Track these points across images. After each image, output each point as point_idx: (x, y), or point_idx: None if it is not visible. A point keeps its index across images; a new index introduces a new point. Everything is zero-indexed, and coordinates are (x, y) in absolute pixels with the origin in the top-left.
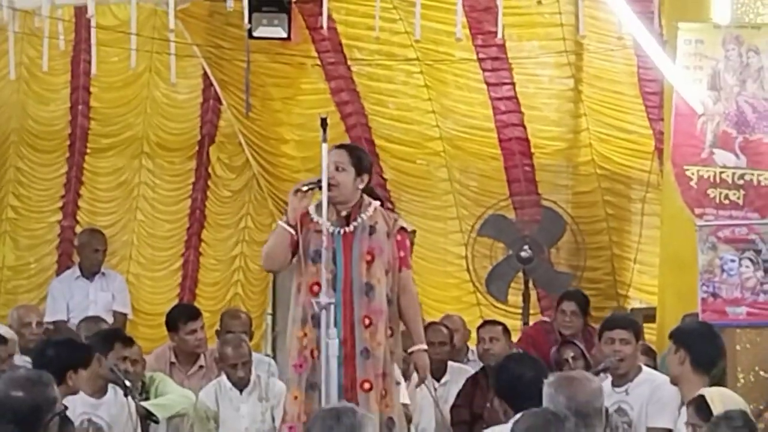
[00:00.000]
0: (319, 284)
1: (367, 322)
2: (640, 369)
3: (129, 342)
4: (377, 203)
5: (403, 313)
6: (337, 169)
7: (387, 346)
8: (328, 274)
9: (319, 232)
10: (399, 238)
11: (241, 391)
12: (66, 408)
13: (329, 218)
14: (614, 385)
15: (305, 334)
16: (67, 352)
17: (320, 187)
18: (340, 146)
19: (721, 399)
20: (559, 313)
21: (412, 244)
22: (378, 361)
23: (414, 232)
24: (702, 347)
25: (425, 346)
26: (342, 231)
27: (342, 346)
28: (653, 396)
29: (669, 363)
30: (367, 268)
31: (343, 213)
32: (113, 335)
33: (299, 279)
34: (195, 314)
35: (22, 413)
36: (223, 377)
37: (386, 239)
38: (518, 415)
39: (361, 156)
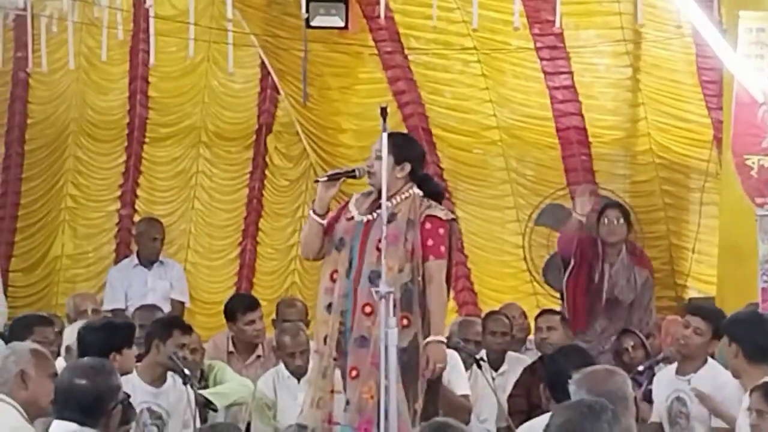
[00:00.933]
0: (336, 271)
1: (368, 310)
2: (705, 360)
3: (188, 330)
4: (416, 192)
5: (428, 303)
6: (377, 157)
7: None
8: (349, 263)
9: (349, 220)
10: (428, 226)
11: (298, 379)
12: (129, 396)
13: (360, 207)
14: (678, 372)
15: (324, 321)
16: (105, 335)
17: (350, 176)
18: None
19: None
20: (601, 223)
21: (447, 232)
22: (378, 350)
23: (454, 220)
24: (752, 338)
25: (441, 338)
26: (366, 219)
27: (350, 333)
28: (717, 394)
29: (725, 356)
30: (378, 255)
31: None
32: (172, 323)
33: (324, 267)
34: (254, 304)
35: (86, 401)
36: (281, 366)
37: (406, 227)
38: (556, 408)
39: (401, 144)
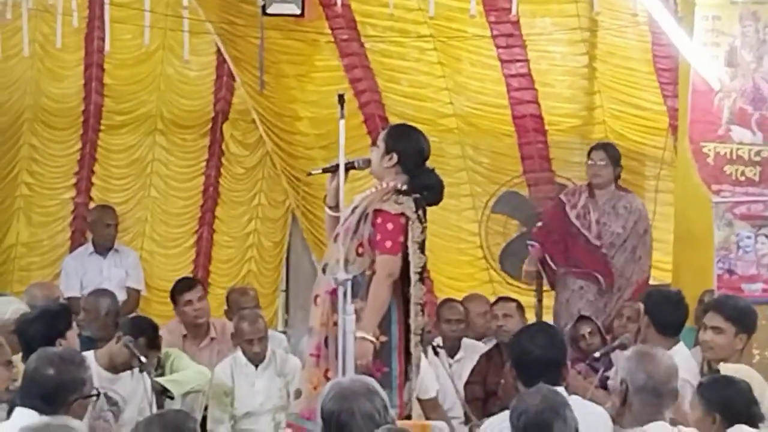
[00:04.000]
0: (338, 261)
1: (317, 301)
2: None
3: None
4: (392, 185)
5: None
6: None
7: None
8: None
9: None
10: (379, 220)
11: (256, 366)
12: (98, 394)
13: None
14: None
15: None
16: (46, 324)
17: (349, 168)
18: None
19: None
20: (588, 164)
21: (401, 226)
22: (319, 342)
23: (404, 214)
24: (755, 330)
25: (365, 335)
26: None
27: None
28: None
29: (723, 342)
30: (332, 248)
31: None
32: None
33: None
34: (190, 285)
35: (47, 390)
36: (239, 353)
37: (359, 220)
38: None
39: (394, 134)
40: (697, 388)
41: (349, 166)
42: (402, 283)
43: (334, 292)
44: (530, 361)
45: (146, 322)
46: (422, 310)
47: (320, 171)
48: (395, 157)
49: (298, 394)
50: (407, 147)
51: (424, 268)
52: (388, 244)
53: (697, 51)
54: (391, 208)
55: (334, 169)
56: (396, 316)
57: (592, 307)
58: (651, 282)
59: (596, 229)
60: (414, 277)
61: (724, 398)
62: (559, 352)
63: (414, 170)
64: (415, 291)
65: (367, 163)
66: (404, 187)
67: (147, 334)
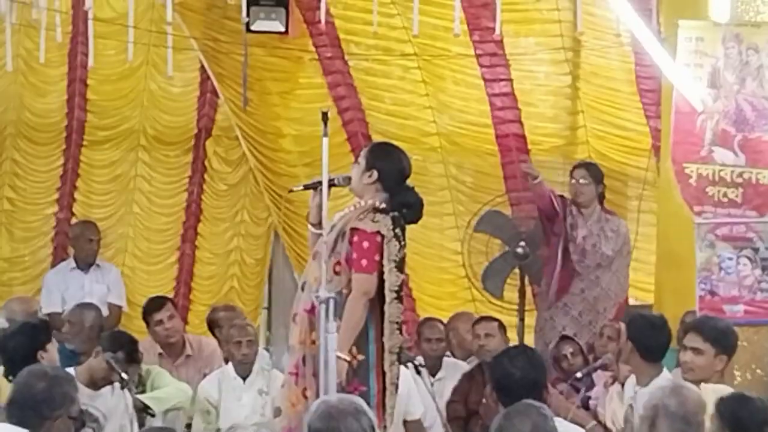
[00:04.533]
0: (316, 279)
1: (296, 319)
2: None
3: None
4: (371, 203)
5: None
6: (356, 163)
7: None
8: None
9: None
10: (355, 239)
11: (244, 379)
12: (84, 423)
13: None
14: (639, 382)
15: None
16: (27, 337)
17: (329, 185)
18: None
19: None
20: (571, 182)
21: (377, 245)
22: (297, 360)
23: (379, 232)
24: (734, 350)
25: (341, 354)
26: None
27: None
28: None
29: (702, 363)
30: (311, 266)
31: None
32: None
33: None
34: (159, 305)
35: (36, 401)
36: (228, 366)
37: (339, 238)
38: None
39: (376, 151)
40: (715, 402)
41: (329, 184)
42: (379, 301)
43: (312, 311)
44: (511, 383)
45: (125, 336)
46: (399, 329)
47: (301, 188)
48: (375, 174)
49: (278, 412)
50: (388, 164)
51: (402, 286)
52: (364, 262)
53: (680, 72)
54: (367, 227)
55: (315, 186)
56: (373, 334)
57: (577, 325)
58: (633, 303)
59: (582, 245)
60: (390, 296)
61: (737, 415)
62: (540, 373)
63: (394, 188)
64: (391, 310)
65: (348, 180)
66: (383, 205)
67: (126, 347)
